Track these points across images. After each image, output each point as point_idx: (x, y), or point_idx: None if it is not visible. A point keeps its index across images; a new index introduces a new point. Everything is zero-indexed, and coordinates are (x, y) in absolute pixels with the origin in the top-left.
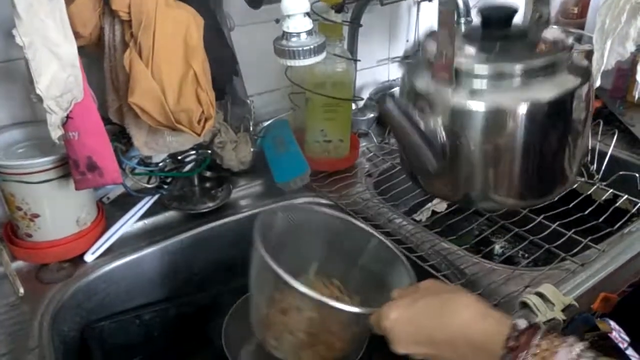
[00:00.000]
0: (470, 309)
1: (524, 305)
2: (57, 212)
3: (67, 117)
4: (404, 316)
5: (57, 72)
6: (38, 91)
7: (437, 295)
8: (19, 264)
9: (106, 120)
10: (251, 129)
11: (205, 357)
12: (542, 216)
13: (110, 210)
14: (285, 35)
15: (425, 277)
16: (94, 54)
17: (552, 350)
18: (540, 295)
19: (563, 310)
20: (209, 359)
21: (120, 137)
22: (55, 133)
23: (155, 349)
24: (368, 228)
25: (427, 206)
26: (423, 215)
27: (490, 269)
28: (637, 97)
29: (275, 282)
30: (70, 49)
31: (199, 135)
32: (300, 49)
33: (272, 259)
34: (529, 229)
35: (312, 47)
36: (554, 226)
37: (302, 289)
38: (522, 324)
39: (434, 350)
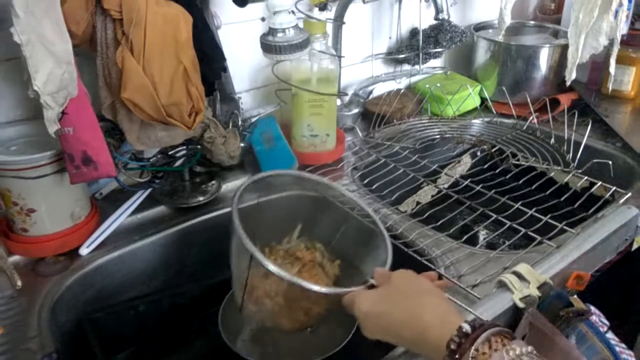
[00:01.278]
0: (432, 314)
1: (502, 283)
2: (53, 206)
3: (62, 112)
4: (375, 310)
5: (53, 69)
6: (35, 87)
7: (407, 297)
8: (15, 258)
9: (99, 117)
10: (240, 123)
11: (199, 346)
12: (519, 203)
13: (102, 206)
14: (272, 32)
15: (410, 262)
16: (86, 52)
17: (488, 353)
18: (517, 274)
19: (538, 288)
20: (202, 347)
21: (113, 133)
22: (52, 128)
23: (152, 338)
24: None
25: (412, 197)
26: (408, 206)
27: (471, 253)
28: (610, 89)
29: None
30: (65, 47)
31: (189, 128)
32: (287, 43)
33: (247, 237)
34: (508, 215)
35: (297, 41)
36: (530, 212)
37: (273, 268)
38: (466, 327)
39: (399, 342)
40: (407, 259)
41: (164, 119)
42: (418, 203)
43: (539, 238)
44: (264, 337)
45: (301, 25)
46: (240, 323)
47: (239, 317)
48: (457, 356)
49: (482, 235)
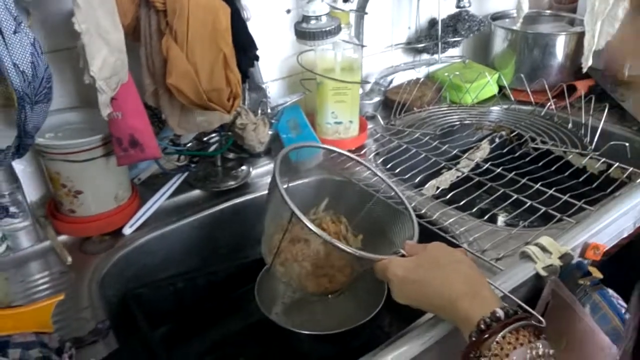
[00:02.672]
0: (465, 284)
1: (525, 254)
2: (98, 189)
3: (112, 98)
4: (409, 277)
5: (107, 57)
6: (92, 73)
7: (441, 266)
8: (62, 237)
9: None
10: (269, 111)
11: (233, 322)
12: (539, 184)
13: (141, 190)
14: (305, 19)
15: (434, 239)
16: (128, 43)
17: (513, 345)
18: (539, 245)
19: (560, 258)
20: (236, 324)
21: (153, 120)
22: (105, 111)
23: (188, 314)
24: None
25: (432, 182)
26: (429, 190)
27: (493, 230)
28: (627, 74)
29: (288, 215)
30: (118, 36)
31: (228, 112)
32: (320, 30)
33: (287, 195)
34: (527, 195)
35: (330, 28)
36: (550, 192)
37: (312, 227)
38: (500, 313)
39: (429, 308)
40: (431, 236)
41: (205, 104)
42: (438, 188)
43: (558, 215)
44: (295, 311)
45: None
46: (273, 297)
47: (272, 291)
48: (485, 336)
49: (502, 216)
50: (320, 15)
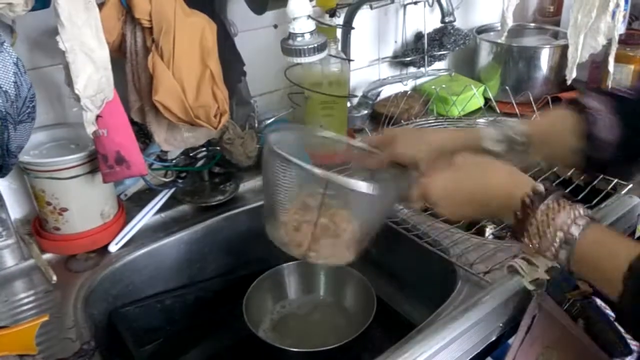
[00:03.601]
0: (502, 171)
1: (512, 268)
2: (84, 206)
3: (97, 115)
4: (450, 185)
5: (92, 74)
6: (76, 91)
7: (477, 163)
8: (48, 256)
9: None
10: (256, 125)
11: (222, 338)
12: None
13: (127, 206)
14: (292, 36)
15: (423, 253)
16: (114, 59)
17: (557, 209)
18: (526, 259)
19: (547, 271)
20: (226, 339)
21: (139, 136)
22: (90, 129)
23: (177, 331)
24: None
25: None
26: (417, 203)
27: (481, 243)
28: (610, 86)
29: (291, 179)
30: (103, 53)
31: (215, 128)
32: (306, 47)
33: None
34: None
35: (316, 45)
36: None
37: (318, 171)
38: (540, 187)
39: (471, 209)
40: (420, 250)
41: (192, 120)
42: None
43: None
44: (283, 327)
45: None
46: (261, 313)
47: (260, 307)
48: (528, 210)
49: (489, 229)
50: (305, 33)
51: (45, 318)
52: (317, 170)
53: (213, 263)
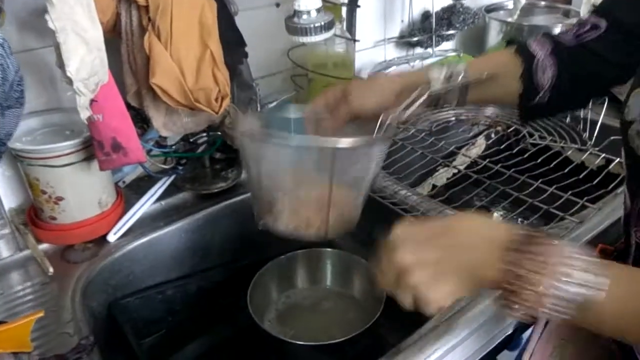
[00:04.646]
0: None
1: None
2: (80, 194)
3: (92, 100)
4: (414, 233)
5: (84, 56)
6: (68, 74)
7: (446, 219)
8: (44, 246)
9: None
10: (258, 109)
11: (224, 330)
12: (539, 181)
13: (126, 193)
14: (297, 14)
15: None
16: (109, 40)
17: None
18: None
19: None
20: (228, 331)
21: (136, 122)
22: (84, 114)
23: (179, 322)
24: None
25: (428, 180)
26: (424, 188)
27: None
28: None
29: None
30: (96, 34)
31: (216, 112)
32: (312, 25)
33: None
34: (528, 193)
35: (322, 23)
36: (551, 189)
37: (312, 139)
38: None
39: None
40: None
41: (192, 104)
42: (434, 186)
43: (560, 214)
44: (289, 318)
45: None
46: (266, 304)
47: (265, 298)
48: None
49: (500, 215)
50: (310, 10)
51: (40, 314)
52: (298, 138)
53: (215, 252)
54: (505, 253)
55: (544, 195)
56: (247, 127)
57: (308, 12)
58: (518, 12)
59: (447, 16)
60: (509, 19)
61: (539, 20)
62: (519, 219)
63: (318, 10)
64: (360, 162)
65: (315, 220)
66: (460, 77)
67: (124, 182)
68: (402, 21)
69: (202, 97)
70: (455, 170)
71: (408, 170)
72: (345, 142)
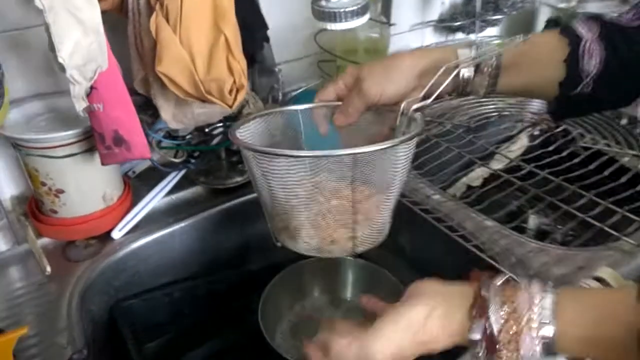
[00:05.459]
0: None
1: None
2: (83, 187)
3: (91, 87)
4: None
5: (79, 39)
6: (60, 59)
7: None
8: (45, 240)
9: (131, 91)
10: (280, 98)
11: (237, 335)
12: (592, 192)
13: (136, 185)
14: None
15: (470, 259)
16: (114, 20)
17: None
18: (599, 279)
19: None
20: (240, 336)
21: (146, 109)
22: (80, 105)
23: (186, 326)
24: None
25: (462, 180)
26: (457, 189)
27: (540, 249)
28: None
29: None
30: (93, 13)
31: (230, 107)
32: (342, 10)
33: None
34: (578, 206)
35: (355, 8)
36: (604, 203)
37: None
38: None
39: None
40: (464, 253)
41: (203, 96)
42: (470, 187)
43: (615, 234)
44: (302, 331)
45: None
46: (279, 314)
47: (278, 308)
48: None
49: (541, 226)
50: None
51: (24, 331)
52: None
53: (227, 252)
54: None
55: (597, 210)
56: (249, 134)
57: None
58: None
59: None
60: (562, 5)
61: (595, 7)
62: (568, 235)
63: None
64: (384, 165)
65: (340, 235)
66: (493, 56)
67: (133, 172)
68: (443, 3)
69: (214, 88)
70: (493, 173)
71: (444, 171)
72: (362, 150)
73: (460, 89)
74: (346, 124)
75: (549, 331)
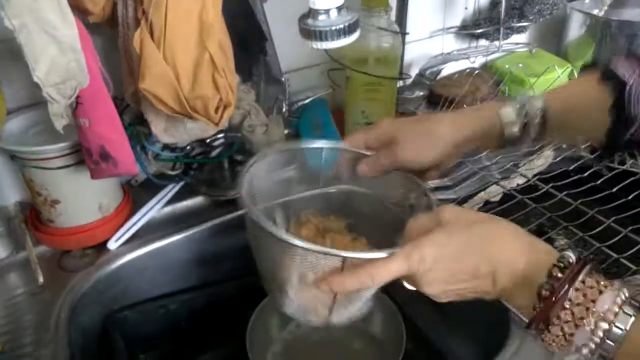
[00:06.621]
0: (517, 239)
1: None
2: (78, 198)
3: (77, 102)
4: (445, 254)
5: (56, 57)
6: (36, 78)
7: (476, 227)
8: (42, 249)
9: (127, 102)
10: (285, 109)
11: (235, 348)
12: (612, 219)
13: (138, 193)
14: (312, 13)
15: None
16: (109, 32)
17: (597, 289)
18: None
19: None
20: (238, 350)
21: (143, 120)
22: (60, 123)
23: (181, 339)
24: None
25: (480, 195)
26: (475, 203)
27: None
28: None
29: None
30: (69, 32)
31: (216, 124)
32: (328, 29)
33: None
34: (596, 234)
35: (342, 26)
36: (625, 232)
37: (301, 243)
38: (572, 256)
39: (472, 284)
40: None
41: (188, 113)
42: (487, 202)
43: (634, 268)
44: (295, 354)
45: None
46: (270, 335)
47: (270, 328)
48: (557, 290)
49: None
50: (330, 9)
51: None
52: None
53: (227, 265)
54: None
55: (616, 239)
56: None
57: (327, 12)
58: (608, 3)
59: (520, 5)
60: (595, 11)
61: (631, 14)
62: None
63: (339, 9)
64: None
65: (323, 311)
66: (537, 117)
67: (136, 181)
68: (466, 8)
69: (199, 106)
70: (508, 193)
71: (458, 186)
72: (358, 254)
73: (504, 145)
74: (369, 175)
75: (615, 337)
